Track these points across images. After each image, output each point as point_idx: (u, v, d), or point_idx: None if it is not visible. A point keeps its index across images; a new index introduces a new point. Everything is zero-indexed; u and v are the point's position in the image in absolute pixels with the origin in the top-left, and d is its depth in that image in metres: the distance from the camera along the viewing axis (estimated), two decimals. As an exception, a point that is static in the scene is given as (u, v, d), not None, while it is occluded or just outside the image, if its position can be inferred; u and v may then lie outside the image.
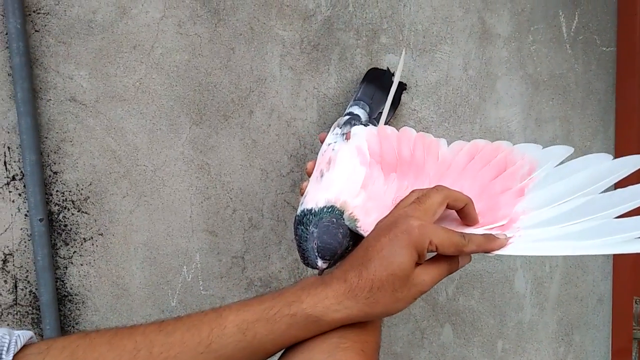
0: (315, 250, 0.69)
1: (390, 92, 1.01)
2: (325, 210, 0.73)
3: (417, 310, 1.33)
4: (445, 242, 0.59)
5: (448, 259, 0.62)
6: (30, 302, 1.04)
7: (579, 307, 1.53)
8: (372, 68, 1.13)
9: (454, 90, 1.29)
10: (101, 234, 1.07)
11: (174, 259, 1.11)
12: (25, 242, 1.02)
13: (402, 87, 1.17)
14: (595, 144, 1.47)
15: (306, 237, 0.72)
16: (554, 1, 1.35)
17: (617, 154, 1.49)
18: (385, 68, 1.15)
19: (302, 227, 0.73)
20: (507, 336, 1.45)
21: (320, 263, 0.69)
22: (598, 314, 1.55)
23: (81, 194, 1.04)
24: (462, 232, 0.61)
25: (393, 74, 1.10)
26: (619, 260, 1.56)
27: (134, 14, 1.04)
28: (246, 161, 1.13)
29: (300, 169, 1.17)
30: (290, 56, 1.13)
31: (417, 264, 0.60)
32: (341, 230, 0.70)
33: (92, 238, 1.06)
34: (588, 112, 1.44)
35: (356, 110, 1.03)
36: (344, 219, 0.72)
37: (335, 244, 0.69)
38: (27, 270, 1.03)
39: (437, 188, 0.64)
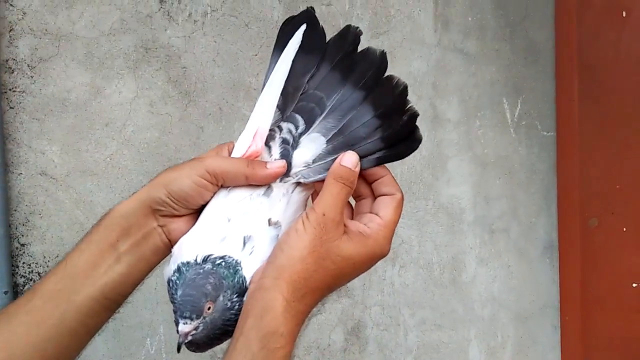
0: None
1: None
2: None
3: (376, 381, 1.36)
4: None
5: None
6: (-12, 376, 1.02)
7: (530, 377, 1.57)
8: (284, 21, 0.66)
9: (409, 169, 1.37)
10: (64, 306, 1.07)
11: (138, 330, 1.12)
12: (-14, 314, 1.01)
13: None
14: (539, 220, 1.57)
15: None
16: (499, 90, 1.48)
17: (560, 231, 1.60)
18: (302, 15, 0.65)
19: None
20: (463, 407, 1.48)
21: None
22: (549, 384, 1.60)
23: (48, 266, 1.05)
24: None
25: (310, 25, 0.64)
26: (566, 330, 1.63)
27: (108, 93, 1.09)
28: (211, 234, 1.17)
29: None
30: (256, 135, 1.19)
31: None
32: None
33: (55, 310, 1.06)
34: (532, 191, 1.55)
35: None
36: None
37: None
38: (-13, 344, 1.02)
39: None
